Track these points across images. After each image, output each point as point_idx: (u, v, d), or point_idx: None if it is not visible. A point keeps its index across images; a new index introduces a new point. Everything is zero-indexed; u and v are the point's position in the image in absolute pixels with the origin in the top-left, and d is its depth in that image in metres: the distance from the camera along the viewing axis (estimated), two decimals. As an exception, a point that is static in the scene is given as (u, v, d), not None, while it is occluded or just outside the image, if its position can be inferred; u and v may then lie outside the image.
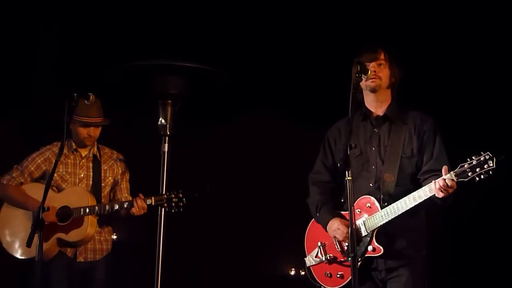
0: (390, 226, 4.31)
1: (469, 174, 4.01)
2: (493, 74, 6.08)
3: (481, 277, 6.29)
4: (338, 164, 4.60)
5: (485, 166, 3.97)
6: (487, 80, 6.11)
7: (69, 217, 5.22)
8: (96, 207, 5.22)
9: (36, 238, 4.27)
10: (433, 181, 4.11)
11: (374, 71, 4.39)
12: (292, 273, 6.80)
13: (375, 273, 4.38)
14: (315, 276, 4.63)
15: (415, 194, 4.19)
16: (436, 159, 4.35)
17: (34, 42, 6.65)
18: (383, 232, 4.33)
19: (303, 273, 4.71)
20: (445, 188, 4.06)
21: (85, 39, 6.52)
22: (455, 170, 4.06)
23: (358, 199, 4.36)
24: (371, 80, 4.41)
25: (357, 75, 4.17)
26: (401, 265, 4.34)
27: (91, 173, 5.45)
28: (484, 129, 6.06)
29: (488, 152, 3.99)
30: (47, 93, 6.39)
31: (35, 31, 6.64)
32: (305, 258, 4.69)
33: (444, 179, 4.05)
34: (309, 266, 4.66)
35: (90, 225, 5.23)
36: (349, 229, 3.88)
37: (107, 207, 5.22)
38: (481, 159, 3.99)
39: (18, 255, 5.28)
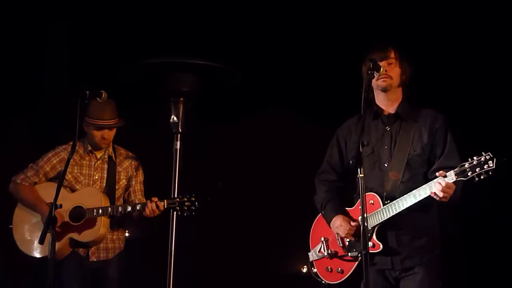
0: (403, 224, 4.34)
1: (469, 173, 4.04)
2: (507, 70, 6.05)
3: (494, 275, 6.27)
4: (350, 162, 4.61)
5: (485, 167, 4.00)
6: (500, 77, 6.08)
7: (82, 217, 5.23)
8: (109, 208, 5.23)
9: (48, 236, 4.29)
10: (432, 182, 4.14)
11: (385, 71, 4.39)
12: (304, 270, 6.79)
13: (389, 271, 4.38)
14: (317, 271, 4.71)
15: (415, 192, 4.22)
16: (447, 156, 4.37)
17: (45, 41, 6.66)
18: (397, 231, 4.35)
19: (305, 269, 4.75)
20: (443, 188, 4.07)
21: (96, 37, 6.53)
22: (455, 169, 4.08)
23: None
24: (382, 79, 4.42)
25: (369, 72, 4.17)
26: (415, 264, 4.35)
27: (106, 175, 5.47)
28: (497, 127, 6.04)
29: (489, 153, 4.02)
30: (59, 91, 6.39)
31: (46, 30, 6.64)
32: (308, 253, 4.76)
33: (443, 180, 4.08)
34: (312, 261, 4.75)
35: (102, 226, 5.24)
36: (361, 226, 3.90)
37: (120, 208, 5.23)
38: (482, 159, 4.02)
39: (32, 253, 5.30)
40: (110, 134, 5.41)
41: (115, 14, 6.52)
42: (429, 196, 4.17)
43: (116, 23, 6.52)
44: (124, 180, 5.51)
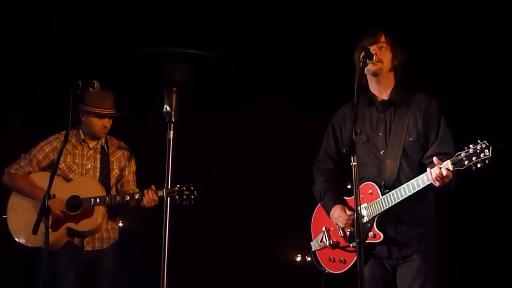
0: (400, 212, 4.33)
1: (466, 162, 4.00)
2: (501, 55, 6.04)
3: (489, 265, 6.28)
4: (344, 150, 4.60)
5: (482, 155, 3.95)
6: (495, 63, 6.07)
7: (79, 207, 5.23)
8: (107, 198, 5.24)
9: (42, 226, 4.29)
10: (429, 170, 4.11)
11: (375, 55, 4.36)
12: (298, 259, 6.81)
13: (386, 259, 4.40)
14: (319, 260, 4.70)
15: (413, 182, 4.19)
16: (441, 141, 4.34)
17: (38, 31, 6.64)
18: (394, 219, 4.35)
19: (309, 259, 4.74)
20: (440, 177, 4.06)
21: (89, 26, 6.51)
22: (452, 159, 4.04)
23: (361, 185, 4.37)
24: (372, 63, 4.38)
25: (362, 60, 4.17)
26: (412, 252, 4.35)
27: (99, 165, 5.46)
28: (492, 112, 6.04)
29: (485, 141, 3.97)
30: (52, 82, 6.38)
31: (40, 19, 6.62)
32: (311, 243, 4.74)
33: (440, 168, 4.05)
34: (314, 251, 4.72)
35: (100, 215, 5.26)
36: (354, 215, 3.90)
37: (118, 198, 5.24)
38: (478, 147, 3.97)
39: (27, 243, 5.29)
40: (109, 123, 5.43)
41: (108, 4, 6.50)
42: (427, 185, 4.15)
43: (110, 13, 6.51)
44: (116, 170, 5.50)
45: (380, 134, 4.46)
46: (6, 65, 6.45)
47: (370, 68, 4.39)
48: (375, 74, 4.44)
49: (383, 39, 4.42)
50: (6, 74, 6.46)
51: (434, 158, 4.10)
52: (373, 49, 4.35)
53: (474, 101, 6.11)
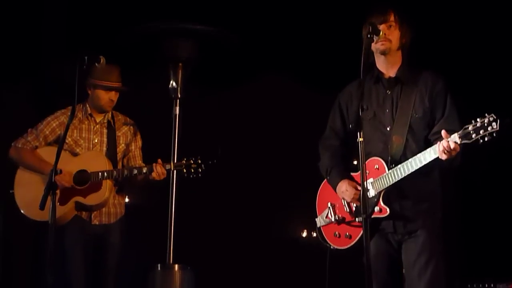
0: (406, 188, 4.34)
1: (473, 136, 3.97)
2: (506, 31, 6.02)
3: (493, 239, 6.30)
4: (350, 126, 4.60)
5: (489, 128, 3.92)
6: (502, 39, 6.05)
7: (86, 181, 5.26)
8: (115, 172, 5.27)
9: (49, 201, 4.31)
10: (438, 143, 4.10)
11: (384, 34, 4.35)
12: (304, 235, 6.83)
13: (392, 234, 4.41)
14: (325, 236, 4.69)
15: (420, 156, 4.19)
16: (447, 118, 4.34)
17: (43, 6, 6.62)
18: (399, 195, 4.36)
19: (314, 235, 4.75)
20: (448, 150, 4.05)
21: (95, 1, 6.49)
22: (459, 132, 4.03)
23: (367, 161, 4.36)
24: (380, 42, 4.38)
25: (368, 36, 4.17)
26: (417, 227, 4.36)
27: (105, 139, 5.48)
28: (498, 89, 6.02)
29: (492, 114, 3.94)
30: (57, 57, 6.37)
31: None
32: (316, 219, 4.74)
33: (448, 141, 4.05)
34: (319, 227, 4.72)
35: (108, 190, 5.28)
36: (361, 190, 3.92)
37: (125, 171, 5.26)
38: (485, 121, 3.94)
39: (34, 217, 5.30)
40: (116, 97, 5.45)
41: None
42: (433, 159, 4.15)
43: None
44: (123, 145, 5.52)
45: (387, 110, 4.46)
46: (12, 40, 6.44)
47: (378, 47, 4.41)
48: (384, 53, 4.44)
49: (392, 18, 4.42)
50: (12, 49, 6.45)
51: (443, 131, 4.08)
52: (382, 28, 4.34)
53: (481, 77, 6.10)
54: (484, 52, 6.12)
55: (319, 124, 4.82)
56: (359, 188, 4.39)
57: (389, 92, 4.49)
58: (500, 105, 4.17)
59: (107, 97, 5.41)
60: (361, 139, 3.91)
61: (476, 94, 5.89)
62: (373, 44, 4.37)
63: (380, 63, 4.53)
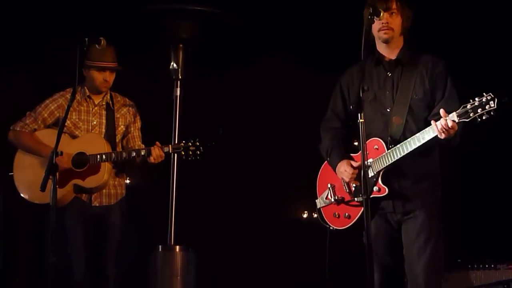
0: (405, 168, 4.37)
1: (471, 114, 4.03)
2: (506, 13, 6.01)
3: (494, 219, 6.32)
4: (351, 107, 4.62)
5: (487, 107, 3.98)
6: (501, 21, 6.05)
7: (85, 163, 5.26)
8: (113, 154, 5.26)
9: (50, 183, 4.32)
10: (433, 122, 4.14)
11: (387, 22, 4.39)
12: (305, 216, 6.84)
13: (391, 214, 4.43)
14: (324, 217, 4.72)
15: (419, 135, 4.23)
16: (447, 100, 4.36)
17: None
18: (399, 174, 4.38)
19: (315, 216, 4.77)
20: (446, 128, 4.09)
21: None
22: (457, 111, 4.08)
23: (368, 141, 4.38)
24: (383, 31, 4.43)
25: (369, 17, 4.19)
26: (416, 207, 4.38)
27: (104, 121, 5.47)
28: (497, 71, 6.02)
29: (490, 93, 4.00)
30: (58, 39, 6.36)
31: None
32: (316, 200, 4.76)
33: (446, 119, 4.08)
34: (319, 208, 4.74)
35: (106, 172, 5.28)
36: (362, 171, 3.94)
37: (124, 154, 5.25)
38: (483, 100, 4.01)
39: (34, 199, 5.32)
40: (111, 77, 5.41)
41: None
42: (432, 139, 4.18)
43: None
44: (122, 126, 5.52)
45: (388, 92, 4.48)
46: (13, 22, 6.42)
47: (381, 36, 4.45)
48: (387, 42, 4.49)
49: (394, 5, 4.44)
50: (12, 31, 6.43)
51: (441, 110, 4.12)
52: (384, 16, 4.34)
53: (480, 57, 6.10)
54: (483, 34, 6.11)
55: (320, 106, 4.83)
56: (358, 167, 4.43)
57: (390, 74, 4.51)
58: (498, 86, 4.18)
59: (101, 78, 5.38)
60: (361, 120, 3.93)
61: (476, 77, 5.89)
62: (375, 32, 4.44)
63: (382, 48, 4.57)
